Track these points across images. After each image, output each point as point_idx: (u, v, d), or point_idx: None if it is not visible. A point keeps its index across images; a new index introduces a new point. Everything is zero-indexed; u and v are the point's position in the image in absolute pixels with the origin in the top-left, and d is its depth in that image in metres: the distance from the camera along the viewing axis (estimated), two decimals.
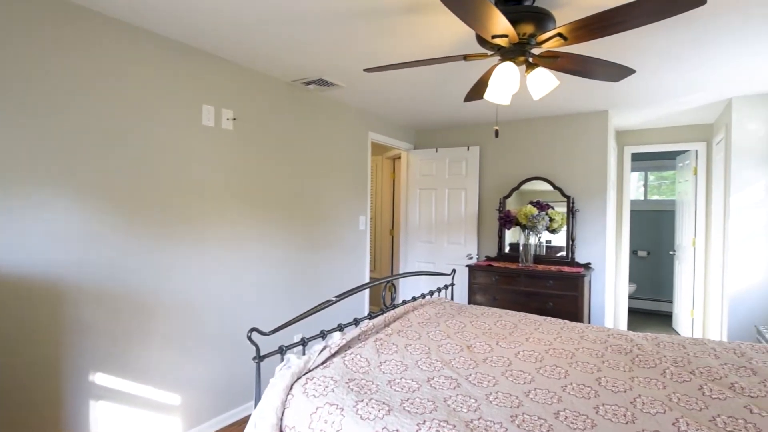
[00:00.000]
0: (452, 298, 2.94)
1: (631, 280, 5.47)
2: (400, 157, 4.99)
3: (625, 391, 1.39)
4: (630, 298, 5.42)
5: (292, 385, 1.44)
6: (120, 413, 2.08)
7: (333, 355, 1.65)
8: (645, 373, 1.55)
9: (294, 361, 1.54)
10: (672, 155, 5.26)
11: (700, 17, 1.98)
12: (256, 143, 2.86)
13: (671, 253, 5.17)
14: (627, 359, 1.69)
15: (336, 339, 1.77)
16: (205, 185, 2.51)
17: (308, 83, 3.09)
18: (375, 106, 3.80)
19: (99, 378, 2.00)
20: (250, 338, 1.44)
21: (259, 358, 1.48)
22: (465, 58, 1.96)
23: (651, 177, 6.15)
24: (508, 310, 2.46)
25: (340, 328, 1.93)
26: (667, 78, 2.80)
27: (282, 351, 1.59)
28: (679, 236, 4.86)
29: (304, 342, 1.72)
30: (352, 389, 1.40)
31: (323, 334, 1.83)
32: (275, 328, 1.57)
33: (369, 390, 1.41)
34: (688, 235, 4.49)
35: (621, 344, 1.84)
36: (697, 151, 4.28)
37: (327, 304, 1.83)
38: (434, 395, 1.38)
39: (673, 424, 1.18)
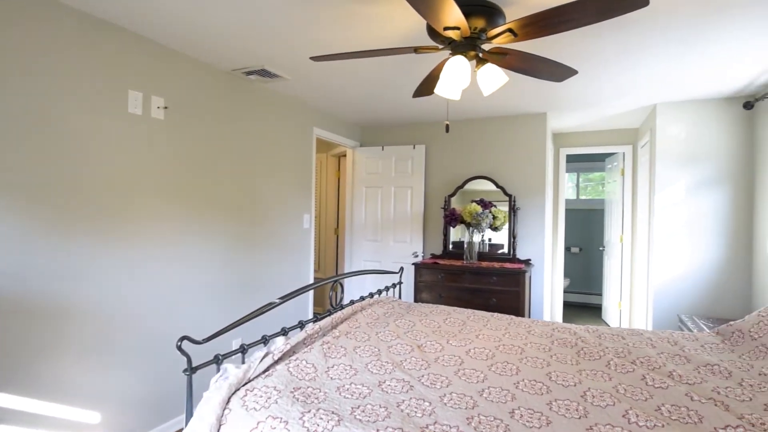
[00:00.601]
0: (400, 297, 2.89)
1: (565, 275, 5.77)
2: (345, 155, 4.88)
3: (575, 385, 1.40)
4: (565, 292, 5.71)
5: (229, 398, 1.30)
6: None
7: (276, 362, 1.51)
8: (591, 366, 1.57)
9: (232, 371, 1.40)
10: (601, 157, 5.61)
11: (633, 24, 2.07)
12: (191, 135, 2.63)
13: (601, 249, 5.52)
14: (573, 352, 1.72)
15: (279, 344, 1.64)
16: (132, 179, 2.26)
17: (249, 73, 2.90)
18: (321, 101, 3.66)
19: None
20: (180, 348, 1.28)
21: (191, 369, 1.32)
22: (416, 50, 1.91)
23: (580, 178, 6.53)
24: (456, 308, 2.45)
25: (284, 332, 1.79)
26: (599, 82, 2.94)
27: (218, 360, 1.44)
28: (608, 233, 5.19)
29: (243, 349, 1.57)
30: (297, 399, 1.28)
31: (265, 340, 1.69)
32: (210, 335, 1.41)
33: (316, 399, 1.30)
34: (616, 232, 4.81)
35: (566, 338, 1.88)
36: (624, 153, 4.59)
37: (269, 306, 1.69)
38: (386, 400, 1.30)
39: (623, 416, 1.19)
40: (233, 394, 1.32)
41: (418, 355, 1.68)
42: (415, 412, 1.23)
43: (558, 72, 2.15)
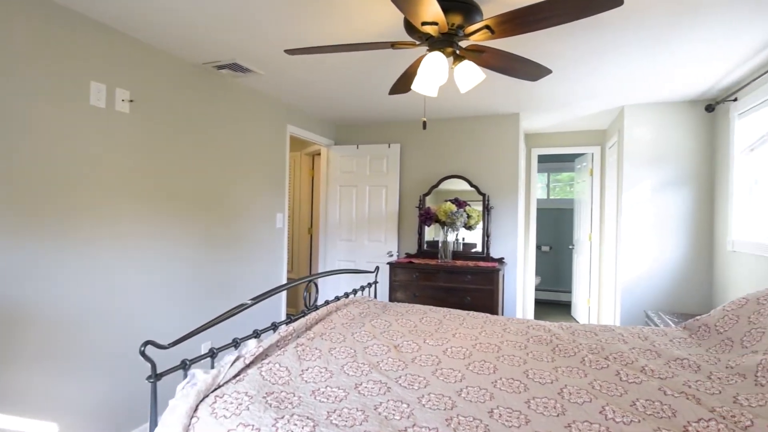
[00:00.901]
0: (375, 297, 2.85)
1: (537, 273, 5.88)
2: (319, 154, 4.81)
3: (551, 382, 1.40)
4: (536, 289, 5.82)
5: (197, 406, 1.23)
6: None
7: (248, 366, 1.45)
8: (567, 362, 1.58)
9: (200, 376, 1.32)
10: (571, 158, 5.74)
11: (605, 25, 2.10)
12: (158, 130, 2.51)
13: (570, 247, 5.65)
14: (548, 349, 1.72)
15: (251, 347, 1.57)
16: (93, 175, 2.14)
17: (220, 67, 2.79)
18: (295, 98, 3.58)
19: None
20: (143, 353, 1.20)
21: (155, 376, 1.24)
22: (393, 45, 1.88)
23: (550, 179, 6.68)
24: (432, 306, 2.43)
25: (256, 334, 1.73)
26: (571, 83, 3.00)
27: (185, 366, 1.36)
28: (577, 232, 5.32)
29: (213, 353, 1.49)
30: (270, 404, 1.23)
31: (236, 343, 1.62)
32: (176, 339, 1.33)
33: (290, 404, 1.25)
34: (585, 231, 4.93)
35: (541, 335, 1.89)
36: (593, 154, 4.71)
37: (240, 308, 1.62)
38: (363, 403, 1.26)
39: (600, 412, 1.19)
40: (201, 401, 1.25)
41: (395, 356, 1.64)
42: (393, 414, 1.19)
43: (533, 71, 2.16)
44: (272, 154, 3.60)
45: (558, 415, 1.19)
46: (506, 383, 1.40)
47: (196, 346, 2.63)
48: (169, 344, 1.29)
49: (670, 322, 2.84)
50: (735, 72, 2.73)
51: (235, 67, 2.80)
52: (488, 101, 3.55)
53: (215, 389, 1.30)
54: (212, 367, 1.47)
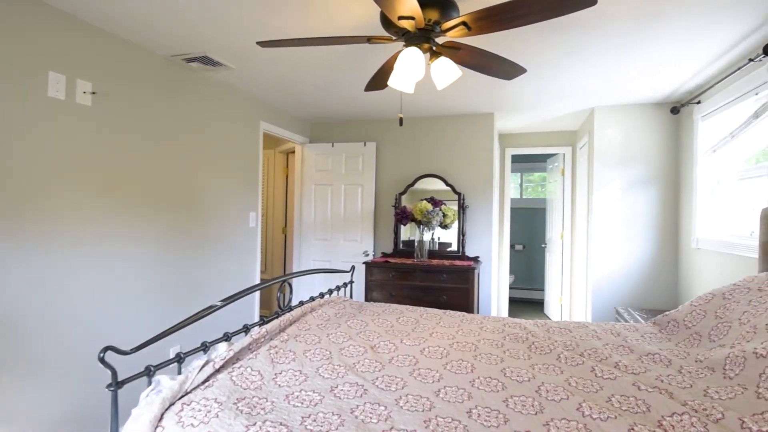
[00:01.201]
0: (351, 297, 2.81)
1: (510, 271, 5.96)
2: (294, 152, 4.72)
3: (529, 380, 1.40)
4: (510, 288, 5.90)
5: (162, 415, 1.15)
6: None
7: (217, 371, 1.38)
8: (543, 360, 1.59)
9: (166, 383, 1.25)
10: (543, 158, 5.85)
11: (578, 26, 2.13)
12: (123, 125, 2.40)
13: (543, 246, 5.76)
14: (525, 347, 1.73)
15: (221, 351, 1.51)
16: (52, 171, 2.02)
17: (190, 60, 2.69)
18: (269, 94, 3.50)
19: None
20: (102, 360, 1.12)
21: (116, 384, 1.16)
22: (369, 40, 1.84)
23: (523, 178, 6.80)
24: (408, 306, 2.41)
25: (227, 337, 1.66)
26: (544, 83, 3.04)
27: (150, 372, 1.28)
28: (550, 231, 5.42)
29: (180, 358, 1.42)
30: (241, 411, 1.17)
31: (205, 347, 1.55)
32: (139, 344, 1.25)
33: (263, 409, 1.19)
34: (557, 230, 5.03)
35: (517, 332, 1.89)
36: (564, 154, 4.81)
37: (210, 310, 1.55)
38: (339, 406, 1.22)
39: (577, 409, 1.19)
40: (167, 409, 1.18)
41: (372, 357, 1.61)
42: (371, 417, 1.16)
43: (508, 70, 2.17)
44: (245, 151, 3.51)
45: (536, 413, 1.18)
46: (484, 382, 1.39)
47: (165, 352, 2.53)
48: (131, 350, 1.21)
49: (640, 318, 2.92)
50: (698, 75, 2.83)
51: (206, 61, 2.71)
52: (464, 100, 3.57)
53: (182, 396, 1.23)
54: (179, 372, 1.40)
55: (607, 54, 2.47)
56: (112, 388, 1.16)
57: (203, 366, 1.36)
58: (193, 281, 2.93)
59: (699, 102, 3.04)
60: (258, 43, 1.88)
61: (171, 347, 2.61)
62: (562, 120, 4.19)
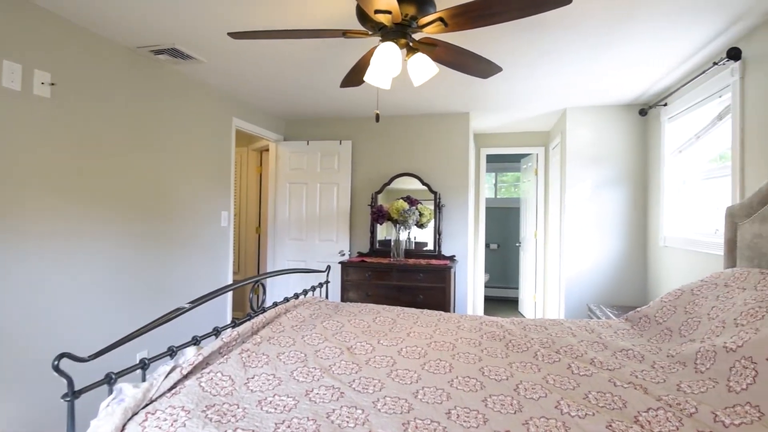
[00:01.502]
0: (327, 297, 2.76)
1: (486, 270, 6.03)
2: (268, 149, 4.61)
3: (507, 379, 1.39)
4: (485, 286, 5.96)
5: (124, 425, 1.08)
6: None
7: (185, 377, 1.31)
8: (520, 358, 1.58)
9: (129, 391, 1.18)
10: (517, 158, 5.93)
11: (552, 27, 2.15)
12: (86, 118, 2.28)
13: (517, 245, 5.84)
14: (502, 345, 1.72)
15: (189, 356, 1.43)
16: (5, 166, 1.88)
17: (158, 52, 2.58)
18: (242, 90, 3.40)
19: None
20: (57, 368, 1.04)
21: (72, 394, 1.08)
22: (344, 33, 1.80)
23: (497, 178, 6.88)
24: (385, 306, 2.38)
25: (196, 341, 1.58)
26: (517, 82, 3.06)
27: (111, 380, 1.20)
28: (524, 230, 5.50)
29: (144, 364, 1.34)
30: (210, 419, 1.11)
31: (172, 352, 1.47)
32: (100, 350, 1.17)
33: (233, 417, 1.13)
34: (530, 229, 5.10)
35: (494, 331, 1.89)
36: (537, 154, 4.89)
37: (177, 312, 1.48)
38: (315, 411, 1.17)
39: (555, 407, 1.19)
40: (130, 419, 1.11)
41: (348, 358, 1.57)
42: (347, 422, 1.12)
43: (484, 68, 2.17)
44: (217, 148, 3.40)
45: (515, 413, 1.17)
46: (463, 382, 1.37)
47: (131, 358, 2.41)
48: (89, 356, 1.13)
49: (611, 315, 2.98)
50: (666, 78, 2.91)
51: (175, 53, 2.60)
52: (440, 99, 3.56)
53: (147, 405, 1.16)
54: (144, 380, 1.32)
55: (580, 54, 2.51)
56: (68, 399, 1.08)
57: (170, 372, 1.29)
58: (163, 283, 2.82)
59: (666, 104, 3.14)
60: (230, 34, 1.81)
61: (138, 353, 2.49)
62: (536, 120, 4.25)
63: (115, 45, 2.44)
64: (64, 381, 1.08)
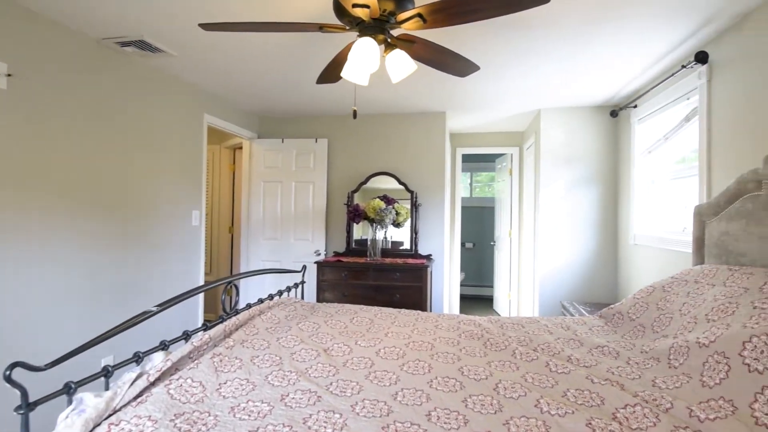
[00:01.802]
0: (302, 298, 2.70)
1: (461, 269, 6.06)
2: (241, 147, 4.50)
3: (486, 378, 1.38)
4: (461, 285, 6.00)
5: None
6: None
7: (152, 384, 1.24)
8: (499, 356, 1.58)
9: (90, 401, 1.10)
10: (492, 158, 6.00)
11: (528, 27, 2.16)
12: (48, 112, 2.16)
13: (492, 243, 5.91)
14: (480, 344, 1.72)
15: (157, 362, 1.36)
16: None
17: (125, 44, 2.46)
18: (214, 85, 3.30)
19: None
20: (9, 378, 0.96)
21: (27, 406, 1.00)
22: (321, 28, 1.76)
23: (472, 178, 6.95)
24: (362, 306, 2.34)
25: (164, 346, 1.51)
26: (494, 83, 3.08)
27: (70, 389, 1.12)
28: (498, 229, 5.57)
29: (107, 372, 1.26)
30: (179, 429, 1.05)
31: (138, 358, 1.39)
32: (58, 358, 1.09)
33: (204, 425, 1.08)
34: (505, 228, 5.17)
35: (472, 330, 1.88)
36: (512, 154, 4.95)
37: (144, 316, 1.40)
38: (291, 417, 1.13)
39: (535, 405, 1.18)
40: (92, 431, 1.03)
41: (325, 360, 1.53)
42: (325, 427, 1.08)
43: (462, 66, 2.16)
44: (187, 145, 3.28)
45: (495, 413, 1.16)
46: (442, 382, 1.35)
47: (95, 366, 2.28)
48: (46, 365, 1.05)
49: (584, 312, 3.04)
50: (636, 80, 2.99)
51: (143, 46, 2.49)
52: (417, 98, 3.55)
53: (110, 415, 1.09)
54: (107, 388, 1.24)
55: (554, 55, 2.54)
56: (21, 411, 1.00)
57: (135, 379, 1.22)
58: (131, 285, 2.69)
59: (636, 106, 3.22)
60: (200, 25, 1.73)
61: (103, 360, 2.38)
62: (511, 121, 4.30)
63: (79, 35, 2.32)
64: (17, 392, 0.99)
